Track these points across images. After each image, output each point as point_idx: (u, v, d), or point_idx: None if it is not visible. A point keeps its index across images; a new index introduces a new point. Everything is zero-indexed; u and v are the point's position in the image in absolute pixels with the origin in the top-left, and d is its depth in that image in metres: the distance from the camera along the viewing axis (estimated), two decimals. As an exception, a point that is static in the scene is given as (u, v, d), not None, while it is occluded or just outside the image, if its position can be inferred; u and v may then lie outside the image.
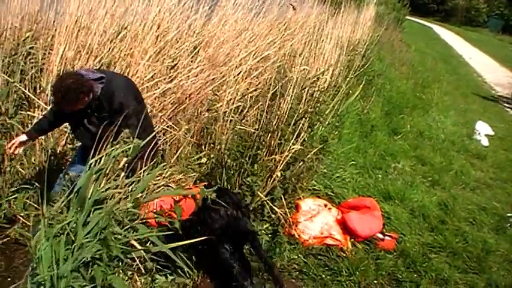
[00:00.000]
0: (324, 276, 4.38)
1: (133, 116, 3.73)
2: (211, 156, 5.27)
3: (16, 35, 5.29)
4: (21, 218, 4.49)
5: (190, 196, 3.65)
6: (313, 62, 6.64)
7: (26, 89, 4.96)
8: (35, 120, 4.74)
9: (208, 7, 6.98)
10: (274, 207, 4.67)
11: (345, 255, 4.66)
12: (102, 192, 3.25)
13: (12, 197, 4.59)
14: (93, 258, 2.99)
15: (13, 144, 4.03)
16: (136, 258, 3.25)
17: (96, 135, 3.55)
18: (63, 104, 3.76)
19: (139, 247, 3.10)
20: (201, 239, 3.43)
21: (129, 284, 3.37)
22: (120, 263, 3.15)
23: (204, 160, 5.31)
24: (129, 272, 3.37)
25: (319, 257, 4.61)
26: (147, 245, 3.38)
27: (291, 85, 5.09)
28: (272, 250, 4.43)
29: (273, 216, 4.69)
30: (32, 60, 5.22)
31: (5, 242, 4.39)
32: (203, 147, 5.55)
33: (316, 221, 4.89)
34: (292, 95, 5.07)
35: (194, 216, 3.73)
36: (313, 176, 5.55)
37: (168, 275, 3.64)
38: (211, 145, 5.46)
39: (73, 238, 3.03)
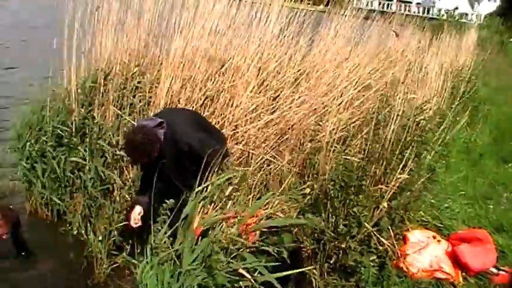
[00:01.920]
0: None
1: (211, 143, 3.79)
2: (315, 186, 5.20)
3: (125, 70, 5.51)
4: (128, 247, 4.62)
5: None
6: (416, 89, 6.47)
7: (134, 121, 5.12)
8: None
9: (308, 38, 7.00)
10: (381, 238, 4.52)
11: (456, 290, 4.44)
12: (209, 220, 3.26)
13: (121, 224, 4.73)
14: (199, 286, 2.99)
15: (134, 219, 4.11)
16: (243, 287, 3.22)
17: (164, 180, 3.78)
18: (142, 159, 3.91)
19: (248, 276, 3.06)
20: (308, 268, 3.37)
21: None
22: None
23: (307, 190, 5.25)
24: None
25: (428, 291, 4.41)
26: (255, 274, 3.34)
27: (396, 113, 4.96)
28: (380, 283, 4.29)
29: (380, 248, 4.54)
30: (139, 94, 5.43)
31: (114, 268, 4.55)
32: (306, 177, 5.49)
33: (424, 253, 4.69)
34: (397, 124, 4.94)
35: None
36: (421, 207, 5.35)
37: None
38: (315, 175, 5.39)
39: (178, 265, 3.05)
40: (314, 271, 4.39)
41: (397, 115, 4.98)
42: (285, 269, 3.33)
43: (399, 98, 5.32)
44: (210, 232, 3.26)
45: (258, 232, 3.62)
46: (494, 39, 21.88)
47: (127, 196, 4.96)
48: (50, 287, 4.46)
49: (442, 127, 5.92)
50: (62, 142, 5.25)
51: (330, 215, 4.66)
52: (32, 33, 15.68)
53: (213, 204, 3.44)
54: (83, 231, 5.07)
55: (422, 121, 5.47)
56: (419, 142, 5.18)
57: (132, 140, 3.80)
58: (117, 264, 4.59)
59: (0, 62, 12.33)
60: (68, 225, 5.17)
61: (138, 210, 4.11)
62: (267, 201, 3.81)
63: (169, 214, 3.50)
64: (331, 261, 4.49)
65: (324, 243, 4.45)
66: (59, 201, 5.25)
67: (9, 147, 5.77)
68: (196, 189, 3.34)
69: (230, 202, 3.56)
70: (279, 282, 3.15)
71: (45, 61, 5.48)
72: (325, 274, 4.48)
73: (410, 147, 5.01)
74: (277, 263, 3.36)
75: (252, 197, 3.95)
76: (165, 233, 3.30)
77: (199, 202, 3.30)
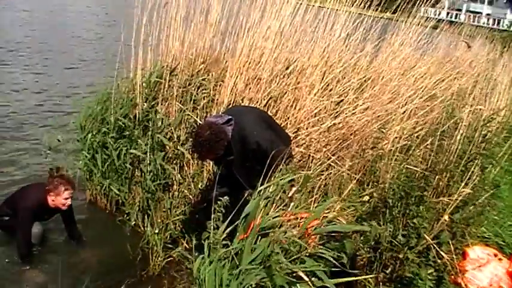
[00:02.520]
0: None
1: (278, 143, 3.78)
2: (374, 194, 5.09)
3: (190, 67, 5.53)
4: (184, 241, 4.63)
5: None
6: (484, 101, 6.26)
7: (197, 118, 5.13)
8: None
9: (374, 44, 6.89)
10: (440, 251, 4.36)
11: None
12: (270, 220, 3.20)
13: (177, 218, 4.74)
14: (257, 286, 2.94)
15: None
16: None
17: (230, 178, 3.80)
18: (209, 156, 3.93)
19: (306, 279, 2.98)
20: (365, 277, 3.27)
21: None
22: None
23: (366, 198, 5.14)
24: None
25: (487, 310, 4.22)
26: (313, 279, 3.26)
27: (462, 124, 4.80)
28: (436, 298, 4.14)
29: (439, 261, 4.39)
30: (203, 91, 5.43)
31: (169, 261, 4.56)
32: (366, 185, 5.37)
33: (484, 270, 4.49)
34: (462, 135, 4.78)
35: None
36: (483, 222, 5.15)
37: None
38: (375, 183, 5.27)
39: (237, 263, 3.00)
40: (370, 280, 4.29)
41: (464, 125, 4.82)
42: (343, 275, 3.24)
43: (466, 109, 5.15)
44: (270, 233, 3.20)
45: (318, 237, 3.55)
46: None
47: (186, 192, 4.98)
48: (104, 275, 4.50)
49: (509, 142, 5.71)
50: (123, 134, 5.31)
51: (388, 225, 4.55)
52: (104, 28, 16.10)
53: (274, 205, 3.37)
54: (140, 223, 5.12)
55: (489, 134, 5.28)
56: (484, 156, 5.01)
57: (200, 136, 3.80)
58: (172, 258, 4.60)
59: (78, 55, 12.66)
60: (125, 216, 5.22)
61: None
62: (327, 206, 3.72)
63: (230, 211, 3.49)
64: (387, 271, 4.36)
65: (381, 252, 4.35)
66: (118, 192, 5.30)
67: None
68: (259, 188, 3.29)
69: (292, 204, 3.50)
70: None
71: (115, 54, 5.56)
72: (381, 284, 4.36)
73: (475, 160, 4.85)
74: (336, 269, 3.28)
75: (313, 201, 3.86)
76: (225, 230, 3.27)
77: (261, 201, 3.24)
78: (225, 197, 3.32)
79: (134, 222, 5.13)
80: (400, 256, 4.29)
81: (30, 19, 17.25)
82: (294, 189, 3.43)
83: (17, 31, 14.49)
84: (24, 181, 5.70)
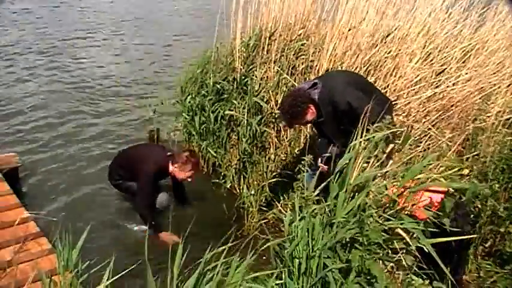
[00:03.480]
0: None
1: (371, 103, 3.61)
2: (474, 168, 4.91)
3: (289, 32, 5.50)
4: (279, 204, 4.64)
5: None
6: None
7: (295, 82, 5.11)
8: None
9: (478, 14, 6.59)
10: (545, 227, 4.18)
11: None
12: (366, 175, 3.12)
13: (273, 181, 4.76)
14: (351, 241, 2.89)
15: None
16: (399, 250, 3.06)
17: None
18: (295, 121, 3.96)
19: (404, 235, 2.90)
20: (469, 237, 3.16)
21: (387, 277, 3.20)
22: (381, 252, 2.98)
23: (465, 172, 4.96)
24: (389, 265, 3.20)
25: None
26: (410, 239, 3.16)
27: None
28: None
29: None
30: (302, 57, 5.39)
31: (264, 223, 4.59)
32: (465, 159, 5.19)
33: None
34: None
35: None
36: None
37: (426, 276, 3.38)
38: (475, 157, 5.08)
39: (331, 219, 2.96)
40: (468, 253, 4.16)
41: None
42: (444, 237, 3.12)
43: None
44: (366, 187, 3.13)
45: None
46: None
47: (282, 155, 4.99)
48: (200, 234, 4.58)
49: None
50: (221, 97, 5.37)
51: (489, 199, 4.39)
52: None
53: (370, 163, 3.29)
54: (236, 185, 5.19)
55: None
56: None
57: (283, 103, 3.89)
58: (267, 220, 4.64)
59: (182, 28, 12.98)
60: (221, 178, 5.30)
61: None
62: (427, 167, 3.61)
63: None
64: (487, 245, 4.29)
65: (480, 226, 4.23)
66: (215, 154, 5.39)
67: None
68: (352, 143, 3.21)
69: (390, 161, 3.41)
70: (439, 254, 2.96)
71: (215, 19, 5.61)
72: (479, 257, 4.24)
73: None
74: (436, 230, 3.17)
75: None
76: (317, 187, 3.25)
77: (355, 157, 3.16)
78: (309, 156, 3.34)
79: (230, 184, 5.21)
80: (501, 230, 4.16)
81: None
82: (391, 146, 3.34)
83: (119, 9, 14.86)
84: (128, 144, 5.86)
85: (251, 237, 3.69)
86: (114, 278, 2.59)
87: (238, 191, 5.17)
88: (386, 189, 3.05)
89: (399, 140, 3.66)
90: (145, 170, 4.54)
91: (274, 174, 4.94)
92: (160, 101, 6.52)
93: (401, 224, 2.96)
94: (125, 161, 4.86)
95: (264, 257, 3.94)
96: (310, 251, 2.80)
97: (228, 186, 5.23)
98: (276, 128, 5.14)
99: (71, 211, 4.80)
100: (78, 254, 3.04)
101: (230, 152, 5.36)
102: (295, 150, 5.01)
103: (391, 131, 3.25)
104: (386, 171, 3.26)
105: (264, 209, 4.81)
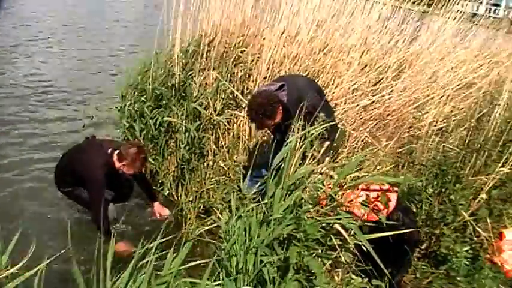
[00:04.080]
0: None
1: (325, 111, 3.62)
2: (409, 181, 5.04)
3: (229, 39, 5.52)
4: (217, 211, 4.60)
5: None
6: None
7: (234, 88, 5.12)
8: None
9: (413, 28, 6.83)
10: (477, 228, 4.29)
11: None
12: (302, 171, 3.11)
13: (211, 186, 4.76)
14: (289, 237, 2.87)
15: None
16: (338, 247, 3.06)
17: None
18: (267, 121, 3.87)
19: (342, 231, 2.90)
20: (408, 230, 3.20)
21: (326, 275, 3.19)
22: (319, 248, 2.97)
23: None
24: (328, 263, 3.18)
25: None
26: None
27: (501, 104, 4.73)
28: (471, 275, 4.06)
29: (475, 239, 4.32)
30: (241, 64, 5.41)
31: (203, 231, 4.52)
32: (401, 166, 5.31)
33: (522, 251, 4.43)
34: (501, 114, 4.71)
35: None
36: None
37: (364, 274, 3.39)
38: (411, 164, 5.21)
39: (268, 216, 2.94)
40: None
41: (504, 104, 4.75)
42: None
43: (505, 91, 5.07)
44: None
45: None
46: None
47: (221, 163, 4.96)
48: (137, 240, 4.48)
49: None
50: (160, 103, 5.31)
51: (424, 203, 4.50)
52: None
53: (307, 159, 3.29)
54: (174, 193, 5.11)
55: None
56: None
57: (253, 104, 3.80)
58: (206, 227, 4.57)
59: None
60: (159, 185, 5.22)
61: None
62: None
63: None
64: (422, 247, 4.36)
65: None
66: (153, 162, 5.30)
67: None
68: (288, 140, 3.20)
69: (327, 159, 3.43)
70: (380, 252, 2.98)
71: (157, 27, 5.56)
72: (415, 259, 4.31)
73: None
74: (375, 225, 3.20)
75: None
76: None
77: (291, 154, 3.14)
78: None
79: (168, 192, 5.13)
80: (436, 232, 4.26)
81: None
82: (326, 143, 3.36)
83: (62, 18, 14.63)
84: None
85: (190, 239, 3.67)
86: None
87: (176, 198, 5.10)
88: (323, 185, 3.04)
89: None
90: (92, 179, 4.32)
91: (213, 181, 4.89)
92: (95, 108, 6.40)
93: (339, 220, 2.96)
94: (69, 167, 4.60)
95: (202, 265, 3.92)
96: (247, 248, 2.76)
97: (166, 194, 5.14)
98: (214, 135, 5.11)
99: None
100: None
101: (168, 159, 5.28)
102: (234, 157, 4.99)
103: (325, 125, 3.26)
104: (322, 168, 3.26)
105: (203, 216, 4.75)
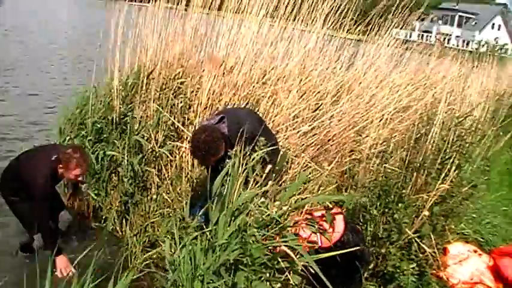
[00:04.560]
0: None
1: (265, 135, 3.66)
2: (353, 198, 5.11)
3: (168, 70, 5.52)
4: (163, 243, 4.54)
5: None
6: (457, 106, 6.40)
7: (175, 120, 5.11)
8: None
9: (350, 55, 7.01)
10: (422, 245, 4.38)
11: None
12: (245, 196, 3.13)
13: (156, 219, 4.71)
14: (236, 262, 2.88)
15: None
16: (285, 269, 3.07)
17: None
18: (212, 158, 3.82)
19: (290, 253, 2.92)
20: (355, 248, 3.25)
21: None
22: (267, 272, 2.98)
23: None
24: (277, 286, 3.18)
25: (468, 303, 4.26)
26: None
27: (437, 123, 4.88)
28: (419, 291, 4.16)
29: (421, 255, 4.41)
30: (181, 95, 5.41)
31: (148, 264, 4.46)
32: (344, 190, 5.39)
33: (465, 265, 4.59)
34: (438, 133, 4.86)
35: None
36: (462, 219, 5.21)
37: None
38: (353, 187, 5.29)
39: (212, 242, 2.94)
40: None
41: (439, 123, 4.90)
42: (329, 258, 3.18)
43: (441, 110, 5.24)
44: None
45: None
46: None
47: (164, 195, 4.91)
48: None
49: (482, 142, 5.83)
50: (101, 137, 5.24)
51: (369, 224, 4.57)
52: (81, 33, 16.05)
53: (250, 184, 3.31)
54: (118, 228, 5.02)
55: (463, 132, 5.38)
56: (460, 153, 5.08)
57: (196, 140, 3.77)
58: (151, 260, 4.51)
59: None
60: (102, 221, 5.12)
61: None
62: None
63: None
64: (370, 267, 4.38)
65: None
66: (95, 197, 5.20)
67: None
68: (229, 166, 3.20)
69: (270, 183, 3.46)
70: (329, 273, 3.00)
71: (92, 59, 5.52)
72: (363, 279, 4.36)
73: (452, 158, 4.92)
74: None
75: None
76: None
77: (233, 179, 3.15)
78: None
79: (112, 227, 5.03)
80: (382, 251, 4.31)
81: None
82: (269, 166, 3.38)
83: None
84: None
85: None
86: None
87: (120, 233, 5.00)
88: (268, 208, 3.06)
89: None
90: (37, 187, 4.11)
91: (157, 213, 4.83)
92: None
93: (285, 242, 2.98)
94: (16, 174, 4.35)
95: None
96: (193, 276, 2.74)
97: (110, 229, 5.04)
98: (157, 167, 5.07)
99: None
100: None
101: (111, 193, 5.19)
102: (177, 189, 4.95)
103: (266, 149, 3.29)
104: (266, 191, 3.28)
105: (149, 249, 4.67)
